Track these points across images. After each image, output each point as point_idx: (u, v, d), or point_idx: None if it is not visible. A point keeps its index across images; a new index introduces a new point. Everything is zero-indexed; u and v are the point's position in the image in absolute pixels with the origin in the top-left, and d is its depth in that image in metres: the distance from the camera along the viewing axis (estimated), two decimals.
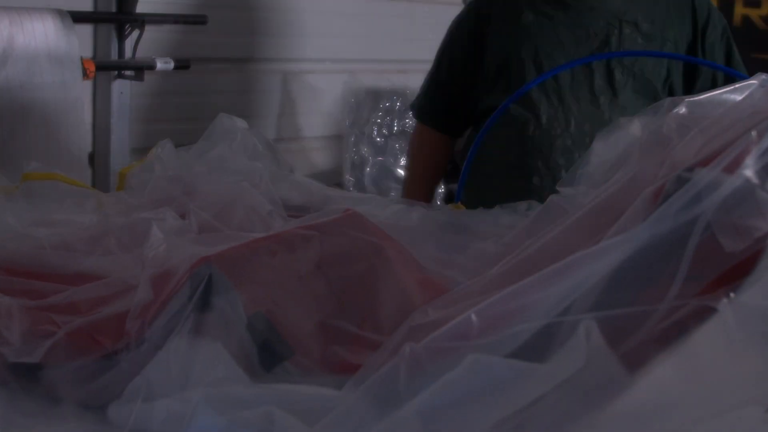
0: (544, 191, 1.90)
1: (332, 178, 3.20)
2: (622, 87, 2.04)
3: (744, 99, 1.08)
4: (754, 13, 4.10)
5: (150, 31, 2.63)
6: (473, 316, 0.79)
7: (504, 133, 2.06)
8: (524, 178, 2.07)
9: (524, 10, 2.08)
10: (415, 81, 3.40)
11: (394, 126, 3.36)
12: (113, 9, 2.60)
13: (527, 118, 2.06)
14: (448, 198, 3.06)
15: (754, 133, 0.83)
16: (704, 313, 0.73)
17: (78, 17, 2.44)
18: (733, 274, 0.75)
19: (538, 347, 0.77)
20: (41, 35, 2.31)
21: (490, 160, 2.06)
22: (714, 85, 2.05)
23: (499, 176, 2.10)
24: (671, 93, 2.09)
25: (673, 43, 2.09)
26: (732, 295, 0.73)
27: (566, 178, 1.28)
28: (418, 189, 2.32)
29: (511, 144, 2.08)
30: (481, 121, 2.08)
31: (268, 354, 0.96)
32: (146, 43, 2.62)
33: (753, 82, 1.11)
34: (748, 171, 0.78)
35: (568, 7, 2.07)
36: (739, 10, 4.12)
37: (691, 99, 1.12)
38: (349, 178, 3.26)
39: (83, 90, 2.43)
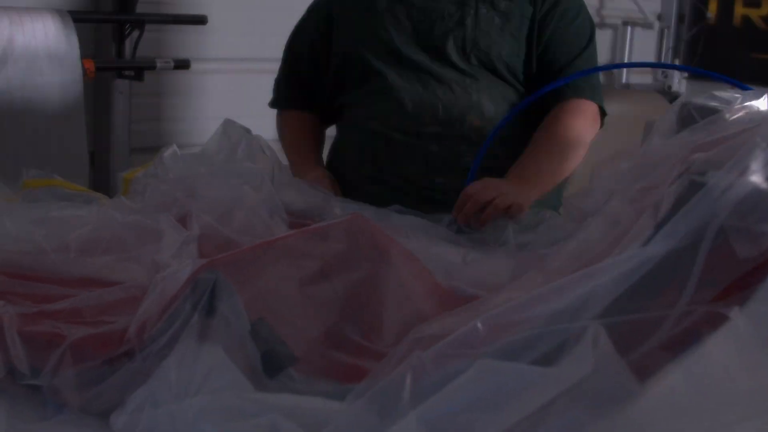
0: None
1: None
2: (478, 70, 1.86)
3: (749, 105, 1.08)
4: (754, 13, 4.09)
5: (150, 31, 2.62)
6: (479, 325, 0.79)
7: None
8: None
9: None
10: None
11: None
12: (113, 9, 2.59)
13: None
14: None
15: (758, 139, 0.82)
16: (716, 321, 0.72)
17: (78, 17, 2.43)
18: (747, 281, 0.74)
19: (545, 354, 0.76)
20: (41, 35, 2.30)
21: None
22: (545, 54, 1.89)
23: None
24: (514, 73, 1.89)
25: (529, 20, 1.89)
26: (744, 302, 0.72)
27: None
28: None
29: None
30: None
31: (271, 361, 0.95)
32: (146, 43, 2.62)
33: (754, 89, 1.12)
34: (759, 176, 0.77)
35: None
36: (739, 10, 4.12)
37: (697, 103, 1.11)
38: None
39: (83, 90, 2.42)
